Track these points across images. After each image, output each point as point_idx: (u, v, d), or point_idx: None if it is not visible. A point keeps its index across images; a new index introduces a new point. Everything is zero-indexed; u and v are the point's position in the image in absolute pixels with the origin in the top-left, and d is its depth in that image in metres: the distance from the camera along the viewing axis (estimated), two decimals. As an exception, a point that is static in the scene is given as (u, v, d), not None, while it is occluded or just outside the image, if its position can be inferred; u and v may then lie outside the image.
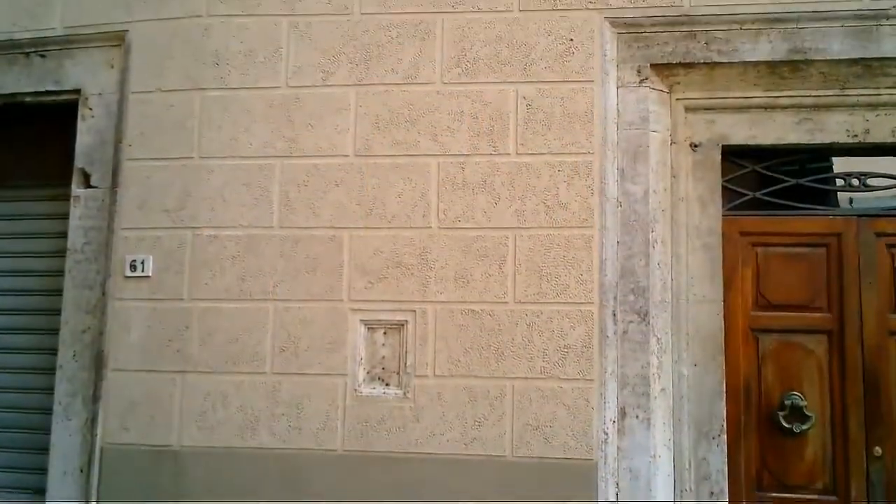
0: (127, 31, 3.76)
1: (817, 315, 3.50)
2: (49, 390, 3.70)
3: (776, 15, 3.44)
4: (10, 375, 3.97)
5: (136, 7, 3.77)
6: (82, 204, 3.71)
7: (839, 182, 3.59)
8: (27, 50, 3.83)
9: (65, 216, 3.75)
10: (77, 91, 3.78)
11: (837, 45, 3.40)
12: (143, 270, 3.60)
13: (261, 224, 3.59)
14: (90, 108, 3.75)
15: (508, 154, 3.51)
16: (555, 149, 3.48)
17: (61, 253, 3.75)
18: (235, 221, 3.60)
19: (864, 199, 3.57)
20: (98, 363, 3.59)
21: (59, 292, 3.73)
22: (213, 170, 3.63)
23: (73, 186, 3.73)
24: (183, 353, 3.56)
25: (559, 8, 3.56)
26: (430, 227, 3.51)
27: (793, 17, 3.43)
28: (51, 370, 3.71)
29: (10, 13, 3.90)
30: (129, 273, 3.61)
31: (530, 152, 3.49)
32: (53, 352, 3.71)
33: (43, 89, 3.82)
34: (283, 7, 3.69)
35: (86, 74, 3.77)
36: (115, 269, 3.64)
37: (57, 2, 3.86)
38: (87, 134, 3.73)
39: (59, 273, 3.75)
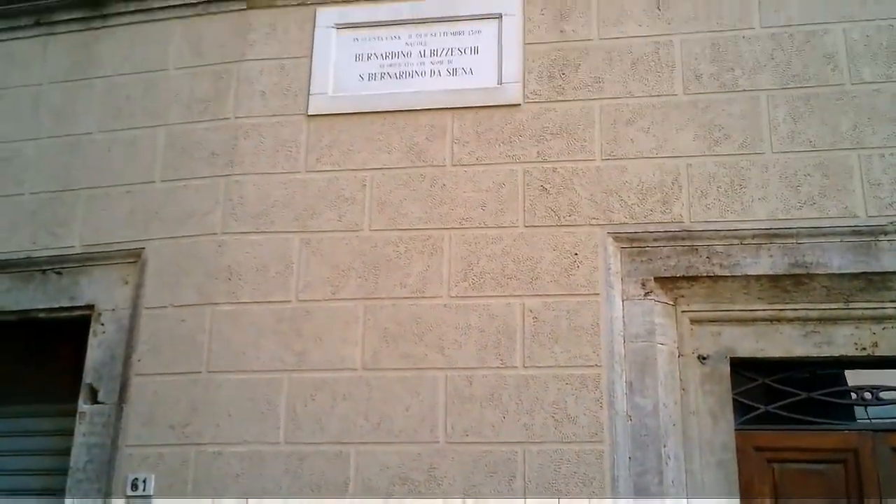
0: (143, 248, 4.10)
1: (842, 537, 3.53)
2: None
3: (775, 230, 3.71)
4: None
5: (154, 226, 4.12)
6: (88, 420, 3.88)
7: (852, 395, 3.73)
8: (44, 267, 4.16)
9: (69, 433, 3.92)
10: (90, 307, 4.07)
11: (838, 260, 3.64)
12: (144, 490, 3.71)
13: (266, 440, 3.73)
14: (102, 324, 4.01)
15: (516, 367, 3.69)
16: (562, 362, 3.67)
17: (63, 471, 3.88)
18: (240, 437, 3.75)
19: (879, 411, 3.69)
20: (91, 590, 3.63)
21: (57, 512, 3.83)
22: (221, 384, 3.82)
23: (80, 402, 3.93)
24: (180, 581, 3.60)
25: (563, 224, 3.85)
26: (438, 442, 3.64)
27: (791, 233, 3.70)
28: None
29: (30, 232, 4.27)
30: (130, 492, 3.73)
31: (537, 365, 3.68)
32: (47, 577, 3.76)
33: (57, 305, 4.11)
34: (296, 224, 4.01)
35: (100, 291, 4.08)
36: (116, 489, 3.75)
37: (77, 221, 4.23)
38: (98, 349, 3.98)
39: (60, 492, 3.86)
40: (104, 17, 4.50)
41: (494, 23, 4.16)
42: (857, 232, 3.66)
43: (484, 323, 3.75)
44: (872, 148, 3.75)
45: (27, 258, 4.21)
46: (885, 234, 3.64)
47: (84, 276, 4.11)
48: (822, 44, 3.90)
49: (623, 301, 3.75)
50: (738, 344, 3.74)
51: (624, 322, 3.72)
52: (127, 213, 4.17)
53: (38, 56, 4.56)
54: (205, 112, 4.24)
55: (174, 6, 4.40)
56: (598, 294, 3.74)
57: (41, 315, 4.14)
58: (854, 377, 3.74)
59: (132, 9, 4.46)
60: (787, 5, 3.96)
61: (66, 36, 4.55)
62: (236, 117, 4.20)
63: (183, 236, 4.07)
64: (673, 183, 3.84)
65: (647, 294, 3.75)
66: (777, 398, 3.74)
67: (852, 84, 3.84)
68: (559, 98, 4.02)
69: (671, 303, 3.78)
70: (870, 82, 3.83)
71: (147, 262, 4.07)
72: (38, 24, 4.58)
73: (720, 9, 4.01)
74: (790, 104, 3.85)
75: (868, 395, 3.70)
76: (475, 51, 4.14)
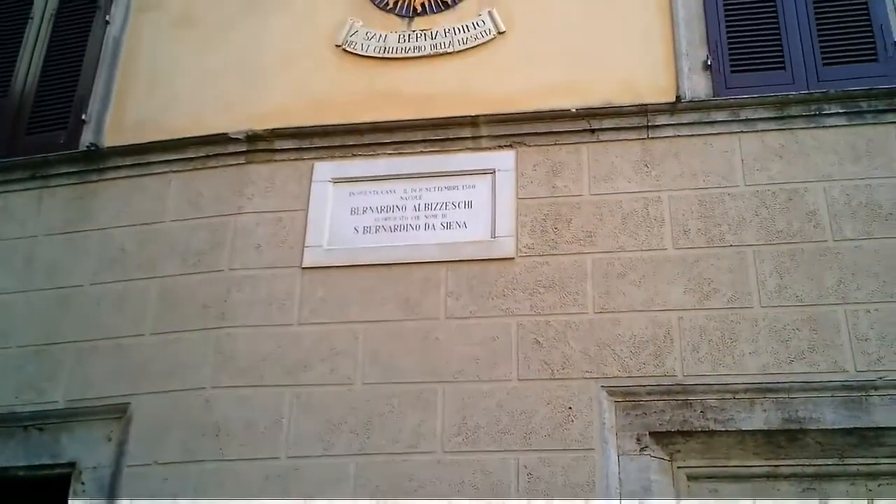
0: (129, 403, 4.25)
1: None
2: None
3: (767, 384, 3.96)
4: None
5: (141, 380, 4.30)
6: None
7: (851, 557, 3.90)
8: (26, 423, 4.29)
9: None
10: (72, 465, 4.17)
11: (831, 415, 3.88)
12: None
13: None
14: (83, 483, 4.11)
15: (511, 527, 3.84)
16: (558, 521, 3.82)
17: None
18: None
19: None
20: None
21: None
22: (204, 549, 3.92)
23: (54, 577, 3.97)
24: None
25: (557, 377, 4.09)
26: None
27: (784, 387, 3.95)
28: None
29: (14, 387, 4.42)
30: None
31: (533, 525, 3.83)
32: None
33: (38, 463, 4.22)
34: (287, 378, 4.21)
35: (83, 448, 4.20)
36: None
37: (63, 376, 4.40)
38: (78, 512, 4.07)
39: None
40: (101, 170, 4.82)
41: (488, 178, 4.53)
42: (847, 387, 3.91)
43: (478, 480, 3.90)
44: (858, 303, 4.06)
45: (10, 413, 4.35)
46: (875, 388, 3.89)
47: (66, 433, 4.24)
48: (804, 202, 4.28)
49: (619, 456, 3.92)
50: (735, 502, 3.91)
51: (620, 479, 3.87)
52: (114, 368, 4.34)
53: (33, 209, 4.84)
54: (199, 264, 4.50)
55: (173, 160, 4.74)
56: (593, 449, 3.92)
57: (21, 473, 4.23)
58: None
59: (129, 162, 4.79)
60: (769, 165, 4.37)
61: (61, 189, 4.85)
62: (230, 269, 4.47)
63: (170, 391, 4.23)
64: (665, 336, 4.11)
65: (642, 449, 3.93)
66: (782, 574, 3.88)
67: (835, 241, 4.19)
68: (552, 252, 4.35)
69: (667, 458, 3.96)
70: (852, 239, 4.18)
71: (132, 417, 4.21)
72: (33, 177, 4.88)
73: (705, 167, 4.41)
74: (776, 259, 4.19)
75: (866, 557, 3.88)
76: (469, 205, 4.49)
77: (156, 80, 5.07)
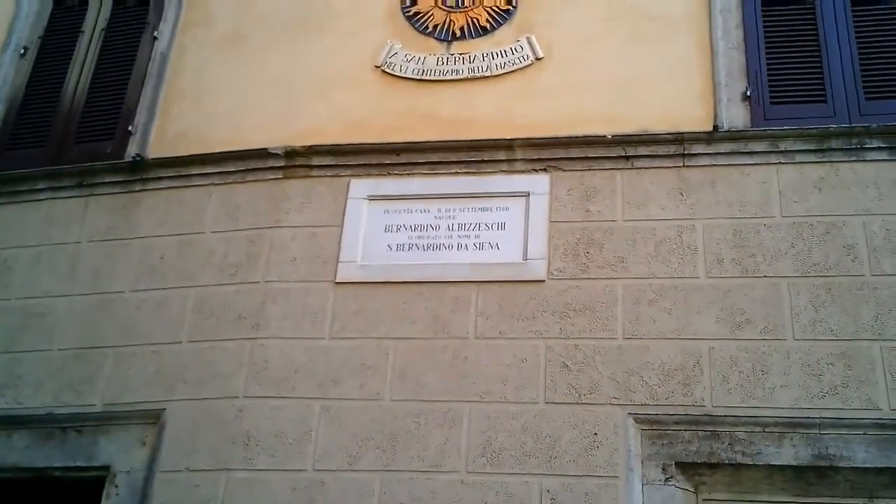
0: (164, 409, 4.26)
1: None
2: None
3: (797, 419, 3.84)
4: None
5: (176, 387, 4.31)
6: None
7: None
8: (64, 425, 4.32)
9: None
10: (106, 468, 4.20)
11: (862, 453, 3.75)
12: None
13: None
14: (116, 486, 4.13)
15: (532, 553, 3.76)
16: (579, 551, 3.74)
17: None
18: None
19: None
20: None
21: None
22: (231, 555, 3.91)
23: (85, 579, 3.99)
24: None
25: (583, 402, 4.01)
26: None
27: (815, 423, 3.83)
28: None
29: (55, 389, 4.46)
30: None
31: (554, 553, 3.74)
32: None
33: (73, 465, 4.24)
34: (317, 391, 4.19)
35: (117, 451, 4.22)
36: None
37: (101, 379, 4.43)
38: (109, 513, 4.08)
39: None
40: (144, 180, 4.85)
41: (522, 200, 4.47)
42: (879, 425, 3.78)
43: (500, 502, 3.84)
44: (894, 340, 3.92)
45: (49, 415, 4.38)
46: (911, 435, 3.75)
47: (103, 436, 4.26)
48: (842, 235, 4.15)
49: (643, 485, 3.83)
50: (766, 552, 3.79)
51: (644, 509, 3.79)
52: (151, 374, 4.36)
53: (78, 216, 4.88)
54: (235, 275, 4.50)
55: (212, 173, 4.76)
56: (617, 477, 3.84)
57: (56, 474, 4.26)
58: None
59: (171, 174, 4.81)
60: (807, 197, 4.25)
61: (106, 198, 4.88)
62: (266, 281, 4.46)
63: (204, 398, 4.24)
64: (695, 365, 4.00)
65: (667, 479, 3.84)
66: None
67: (873, 275, 4.06)
68: (583, 276, 4.27)
69: (692, 490, 3.87)
70: (890, 274, 4.04)
71: (166, 423, 4.22)
72: (80, 185, 4.93)
73: (742, 197, 4.30)
74: (811, 292, 4.06)
75: None
76: (502, 226, 4.43)
77: (199, 95, 5.09)
